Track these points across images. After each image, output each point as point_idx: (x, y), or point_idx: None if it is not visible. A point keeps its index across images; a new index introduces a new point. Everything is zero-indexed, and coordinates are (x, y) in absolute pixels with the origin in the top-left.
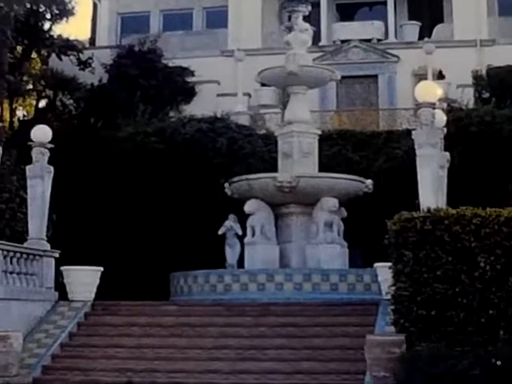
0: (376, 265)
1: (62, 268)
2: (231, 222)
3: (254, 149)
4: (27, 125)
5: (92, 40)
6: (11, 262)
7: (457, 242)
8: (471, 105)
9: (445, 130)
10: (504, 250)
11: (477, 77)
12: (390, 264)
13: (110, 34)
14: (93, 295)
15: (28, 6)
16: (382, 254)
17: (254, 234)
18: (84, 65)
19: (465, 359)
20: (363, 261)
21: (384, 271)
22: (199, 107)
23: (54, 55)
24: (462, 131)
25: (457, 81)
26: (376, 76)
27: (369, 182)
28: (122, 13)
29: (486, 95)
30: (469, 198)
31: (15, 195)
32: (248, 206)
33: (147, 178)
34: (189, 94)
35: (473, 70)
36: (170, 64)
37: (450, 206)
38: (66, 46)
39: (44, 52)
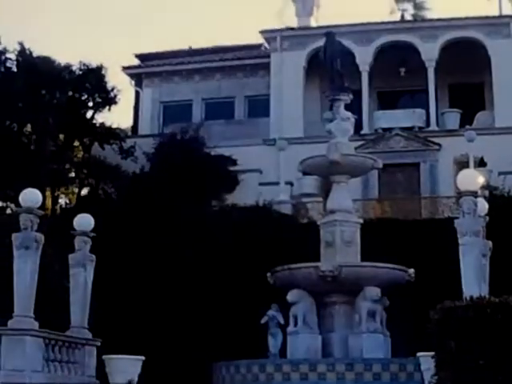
0: (419, 354)
1: (104, 357)
2: (273, 312)
3: (296, 238)
4: (69, 213)
5: (134, 128)
6: (53, 351)
7: (500, 331)
8: None
9: (487, 218)
10: None
11: None
12: (432, 353)
13: (153, 122)
14: None
15: (70, 94)
16: (425, 343)
17: (296, 324)
18: (126, 153)
19: None
20: (406, 350)
21: (427, 360)
22: (241, 196)
23: (96, 143)
24: (504, 219)
25: (498, 168)
26: (418, 164)
27: (411, 270)
28: (165, 101)
29: None
30: None
31: (57, 283)
32: (290, 296)
33: (188, 267)
34: (231, 182)
35: None
36: (212, 153)
37: (492, 294)
38: (109, 135)
39: (86, 140)
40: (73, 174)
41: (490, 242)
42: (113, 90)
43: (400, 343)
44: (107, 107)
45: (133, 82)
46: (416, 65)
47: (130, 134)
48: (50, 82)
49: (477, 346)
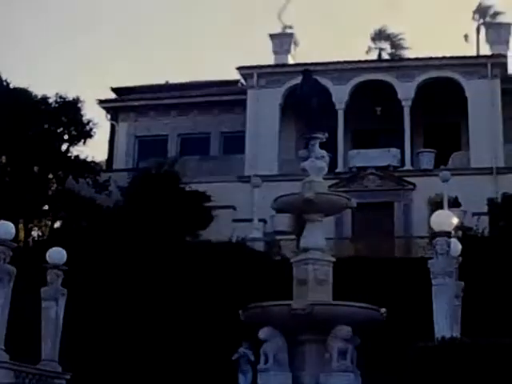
0: None
1: None
2: (244, 349)
3: (269, 275)
4: (42, 246)
5: (109, 162)
6: (23, 383)
7: (471, 372)
8: (487, 233)
9: (460, 258)
10: None
11: (492, 205)
12: None
13: (128, 156)
14: None
15: (46, 126)
16: (396, 383)
17: (267, 361)
18: (100, 187)
19: None
20: None
21: None
22: (215, 232)
23: (70, 176)
24: (477, 260)
25: (473, 208)
26: (392, 203)
27: (383, 310)
28: (140, 136)
29: (502, 223)
30: (485, 327)
31: (29, 316)
32: (262, 333)
33: (160, 303)
34: (205, 218)
35: (488, 197)
36: (187, 188)
37: (465, 335)
38: (83, 168)
39: (60, 173)
40: (46, 207)
41: (463, 283)
42: (88, 123)
43: (371, 382)
44: (82, 140)
45: (108, 116)
46: (392, 104)
47: (104, 167)
48: (26, 114)
49: None
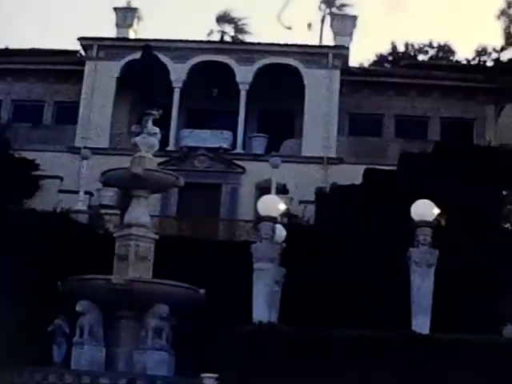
0: (203, 375)
1: None
2: (60, 321)
3: (91, 249)
4: None
5: None
6: None
7: (286, 358)
8: (312, 221)
9: (284, 244)
10: None
11: (320, 194)
12: (217, 375)
13: None
14: None
15: None
16: (212, 365)
17: (82, 335)
18: None
19: None
20: (192, 370)
21: (211, 381)
22: (41, 202)
23: None
24: (300, 248)
25: (301, 196)
26: (220, 185)
27: (202, 291)
28: None
29: (328, 213)
30: (302, 315)
31: None
32: (79, 306)
33: None
34: (31, 187)
35: (317, 186)
36: (16, 155)
37: (284, 321)
38: None
39: None
40: None
41: (284, 270)
42: None
43: (186, 363)
44: None
45: None
46: (230, 87)
47: None
48: None
49: (262, 370)
